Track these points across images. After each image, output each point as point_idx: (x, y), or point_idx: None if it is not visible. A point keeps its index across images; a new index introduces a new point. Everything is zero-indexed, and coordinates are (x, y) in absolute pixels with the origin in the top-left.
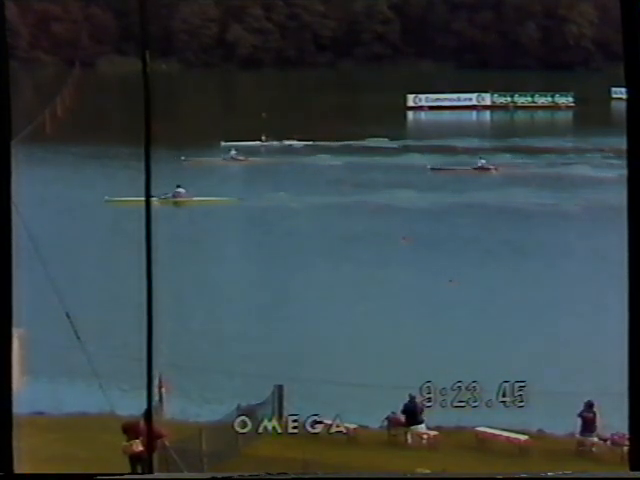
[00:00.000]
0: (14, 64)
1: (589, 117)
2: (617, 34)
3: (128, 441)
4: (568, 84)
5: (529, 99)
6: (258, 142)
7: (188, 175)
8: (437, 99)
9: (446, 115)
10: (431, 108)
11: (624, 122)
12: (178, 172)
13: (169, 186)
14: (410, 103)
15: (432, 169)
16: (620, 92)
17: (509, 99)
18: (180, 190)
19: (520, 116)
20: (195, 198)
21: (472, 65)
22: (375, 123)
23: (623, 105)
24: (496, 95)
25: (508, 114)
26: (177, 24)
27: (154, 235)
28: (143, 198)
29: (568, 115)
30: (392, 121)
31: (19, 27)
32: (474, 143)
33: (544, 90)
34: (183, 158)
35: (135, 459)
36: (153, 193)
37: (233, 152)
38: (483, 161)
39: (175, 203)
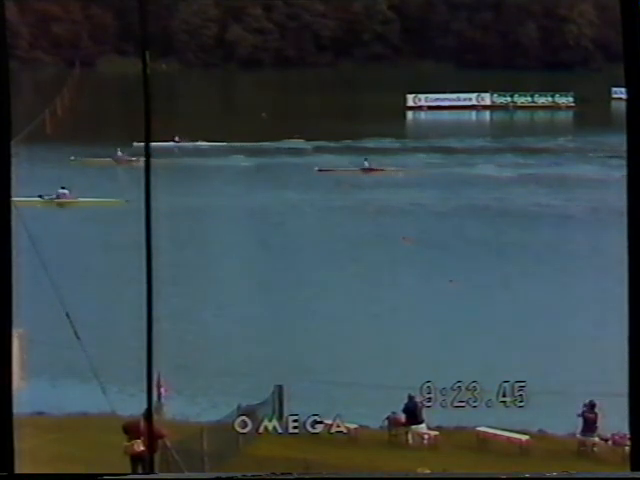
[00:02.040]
0: (14, 64)
1: (589, 117)
2: (617, 34)
3: (129, 441)
4: (568, 84)
5: (529, 99)
6: (171, 142)
7: (81, 175)
8: (437, 99)
9: (446, 115)
10: (430, 108)
11: (624, 122)
12: (68, 171)
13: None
14: (410, 103)
15: (319, 170)
16: (620, 92)
17: (509, 99)
18: (63, 191)
19: (520, 116)
20: (83, 199)
21: (472, 65)
22: (374, 123)
23: (623, 105)
24: (496, 95)
25: (508, 114)
26: (177, 24)
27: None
28: (28, 198)
29: (568, 115)
30: (392, 121)
31: (19, 27)
32: (472, 143)
33: (544, 90)
34: (72, 158)
35: (136, 459)
36: (37, 193)
37: (119, 153)
38: (367, 163)
39: (59, 204)
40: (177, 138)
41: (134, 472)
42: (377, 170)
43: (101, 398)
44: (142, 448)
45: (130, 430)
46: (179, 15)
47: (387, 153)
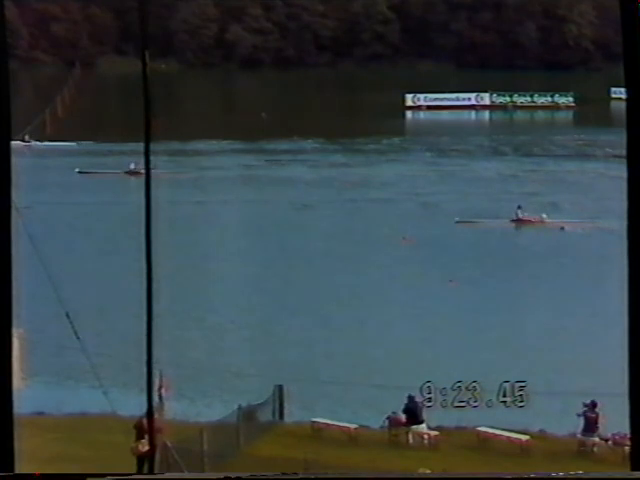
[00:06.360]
0: (14, 64)
1: (589, 117)
2: (617, 34)
3: (135, 441)
4: (568, 84)
5: (529, 99)
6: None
7: None
8: (436, 99)
9: (445, 115)
10: (430, 108)
11: (623, 122)
12: None
13: None
14: (409, 103)
15: (79, 172)
16: (620, 92)
17: (508, 99)
18: None
19: (520, 116)
20: None
21: (472, 65)
22: (374, 122)
23: (623, 105)
24: (495, 95)
25: (507, 114)
26: (177, 24)
27: None
28: None
29: (568, 115)
30: (391, 120)
31: (19, 27)
32: (471, 143)
33: (544, 90)
34: None
35: (142, 459)
36: None
37: None
38: (133, 165)
39: None
40: (27, 137)
41: (139, 472)
42: (138, 173)
43: (101, 398)
44: (147, 448)
45: (137, 429)
46: (179, 15)
47: (385, 152)
